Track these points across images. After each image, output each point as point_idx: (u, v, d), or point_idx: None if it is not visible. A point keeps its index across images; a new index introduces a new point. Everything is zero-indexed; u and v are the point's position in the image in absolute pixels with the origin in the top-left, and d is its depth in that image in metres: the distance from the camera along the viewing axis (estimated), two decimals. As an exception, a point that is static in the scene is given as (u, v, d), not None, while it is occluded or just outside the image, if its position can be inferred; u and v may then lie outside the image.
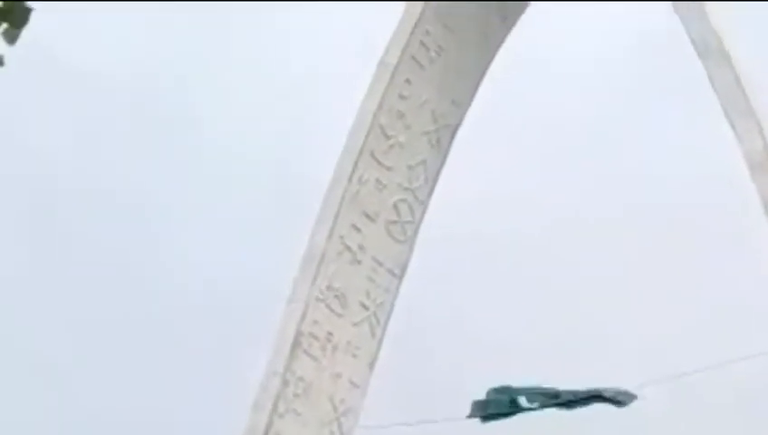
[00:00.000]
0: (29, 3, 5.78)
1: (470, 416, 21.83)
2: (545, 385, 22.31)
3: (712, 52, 19.80)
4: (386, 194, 22.90)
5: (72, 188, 52.93)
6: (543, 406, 21.87)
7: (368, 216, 22.74)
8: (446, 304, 37.63)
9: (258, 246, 47.80)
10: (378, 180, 22.78)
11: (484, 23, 23.50)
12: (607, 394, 21.41)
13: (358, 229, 22.63)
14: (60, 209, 52.56)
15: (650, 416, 25.39)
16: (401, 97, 22.82)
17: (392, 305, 23.05)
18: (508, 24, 23.90)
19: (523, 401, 21.79)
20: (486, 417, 21.79)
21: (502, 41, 23.95)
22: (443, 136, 23.49)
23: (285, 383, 21.64)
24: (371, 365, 22.78)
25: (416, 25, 22.82)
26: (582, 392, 21.73)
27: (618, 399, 21.38)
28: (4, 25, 5.65)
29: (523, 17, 23.89)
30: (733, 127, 19.65)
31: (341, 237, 22.43)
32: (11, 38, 5.70)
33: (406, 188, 23.13)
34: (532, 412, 21.87)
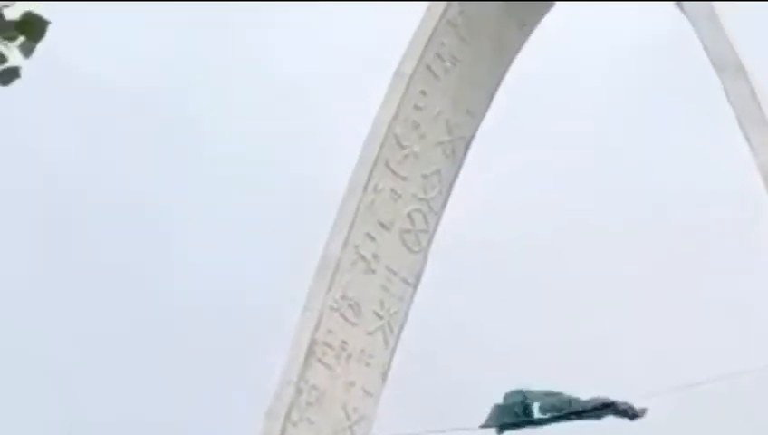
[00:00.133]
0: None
1: (485, 425, 21.55)
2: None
3: (728, 65, 19.78)
4: (400, 204, 23.04)
5: (76, 188, 52.97)
6: (556, 417, 21.64)
7: (382, 225, 22.87)
8: (456, 312, 37.54)
9: (270, 253, 47.82)
10: (393, 190, 22.91)
11: (499, 32, 23.56)
12: (620, 407, 21.26)
13: (372, 238, 22.75)
14: (63, 211, 52.67)
15: (657, 424, 25.32)
16: (416, 108, 22.98)
17: (406, 314, 23.19)
18: (526, 31, 24.06)
19: (536, 408, 21.61)
20: (501, 428, 21.55)
21: (518, 50, 24.06)
22: (457, 146, 23.63)
23: (299, 392, 21.71)
24: (384, 374, 22.92)
25: (431, 36, 22.96)
26: (595, 402, 21.53)
27: (630, 412, 21.27)
28: (21, 39, 5.62)
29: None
30: (748, 140, 19.57)
31: (356, 247, 22.56)
32: (27, 51, 5.69)
33: (420, 199, 23.27)
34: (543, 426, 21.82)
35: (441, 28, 22.90)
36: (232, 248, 53.36)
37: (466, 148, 23.72)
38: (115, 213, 54.84)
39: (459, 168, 23.71)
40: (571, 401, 21.67)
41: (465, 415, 22.20)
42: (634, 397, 21.40)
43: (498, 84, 23.90)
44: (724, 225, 39.24)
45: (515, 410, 21.57)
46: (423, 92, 22.88)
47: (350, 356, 22.29)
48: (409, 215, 23.06)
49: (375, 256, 22.65)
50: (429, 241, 23.44)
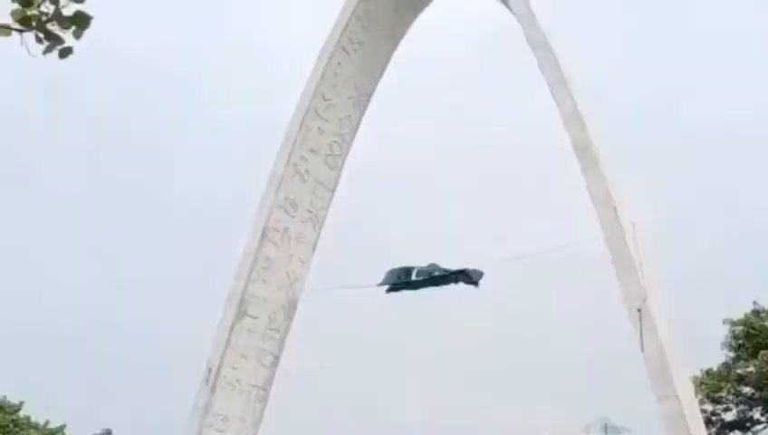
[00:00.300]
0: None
1: (381, 283, 20.97)
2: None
3: (540, 45, 19.51)
4: (324, 137, 22.96)
5: (120, 130, 52.55)
6: (426, 280, 20.74)
7: (312, 151, 22.78)
8: (359, 209, 37.31)
9: (236, 170, 47.91)
10: (319, 128, 22.85)
11: (391, 24, 23.32)
12: (469, 273, 20.35)
13: (305, 160, 22.65)
14: (111, 144, 52.45)
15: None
16: (335, 74, 22.87)
17: (327, 210, 23.12)
18: (407, 23, 23.64)
19: (414, 273, 20.87)
20: (390, 289, 20.99)
21: (402, 37, 23.81)
22: (362, 99, 23.53)
23: (256, 260, 21.66)
24: (313, 248, 22.80)
25: (345, 26, 22.90)
26: (454, 270, 20.74)
27: (474, 277, 20.35)
28: (73, 27, 5.50)
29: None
30: (552, 95, 19.12)
31: (295, 165, 22.46)
32: (77, 36, 5.55)
33: (338, 134, 23.15)
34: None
35: (352, 21, 22.82)
36: (212, 169, 53.42)
37: (368, 100, 23.63)
38: (140, 145, 54.71)
39: (363, 113, 23.62)
40: (438, 269, 20.94)
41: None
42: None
43: (389, 59, 23.77)
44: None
45: (399, 275, 21.02)
46: (339, 64, 22.77)
47: (290, 237, 22.16)
48: (330, 145, 22.97)
49: (307, 171, 22.55)
50: (344, 162, 23.33)
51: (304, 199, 22.52)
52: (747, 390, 32.23)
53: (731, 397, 32.40)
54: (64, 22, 5.42)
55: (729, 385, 32.10)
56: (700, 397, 30.04)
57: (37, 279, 49.91)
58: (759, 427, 32.69)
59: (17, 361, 40.48)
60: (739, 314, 32.64)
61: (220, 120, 54.32)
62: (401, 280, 21.00)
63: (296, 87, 22.95)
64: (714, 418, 32.24)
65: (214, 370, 20.49)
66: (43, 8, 5.38)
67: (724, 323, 32.68)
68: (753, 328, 32.07)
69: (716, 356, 32.87)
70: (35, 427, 34.25)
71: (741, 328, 32.35)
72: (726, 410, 32.73)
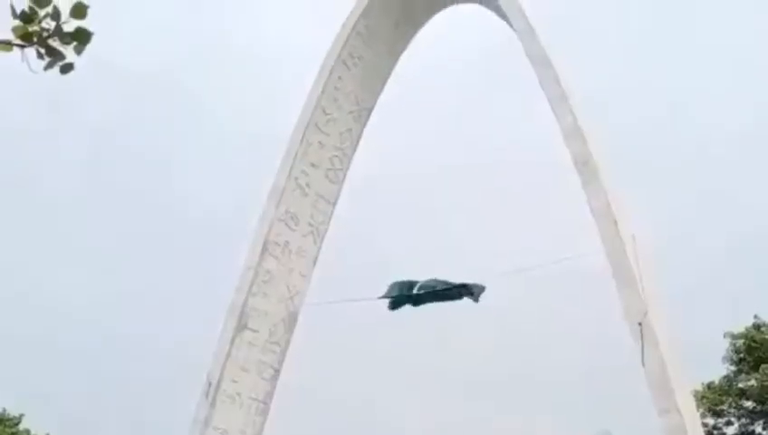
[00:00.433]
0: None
1: (383, 296, 20.50)
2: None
3: (540, 61, 19.63)
4: (325, 151, 22.99)
5: (121, 145, 52.37)
6: (428, 294, 20.32)
7: (313, 165, 22.81)
8: (359, 223, 37.40)
9: (237, 184, 47.84)
10: (320, 142, 22.88)
11: (391, 40, 23.38)
12: (470, 287, 19.97)
13: (306, 174, 22.68)
14: (110, 156, 52.39)
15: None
16: (335, 88, 22.94)
17: (328, 224, 23.11)
18: (408, 39, 23.73)
19: (417, 287, 20.49)
20: (393, 307, 20.50)
21: (402, 52, 23.87)
22: (363, 114, 23.56)
23: (257, 274, 21.69)
24: (314, 263, 22.81)
25: (346, 41, 22.96)
26: (456, 283, 20.36)
27: (476, 291, 19.95)
28: (75, 43, 5.52)
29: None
30: (553, 110, 19.21)
31: (296, 178, 22.49)
32: (79, 52, 5.59)
33: (338, 148, 23.18)
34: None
35: (353, 35, 22.94)
36: (213, 183, 53.33)
37: (369, 114, 23.67)
38: (141, 158, 54.64)
39: (363, 127, 23.66)
40: (440, 283, 20.57)
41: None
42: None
43: (389, 73, 23.81)
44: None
45: (402, 288, 20.70)
46: (340, 78, 22.86)
47: (291, 251, 22.17)
48: (330, 158, 22.99)
49: (308, 185, 22.58)
50: (345, 176, 23.37)
51: (305, 213, 22.53)
52: (749, 403, 32.11)
53: (732, 411, 32.28)
54: (65, 38, 5.45)
55: (730, 399, 31.99)
56: (701, 411, 29.92)
57: (38, 293, 49.86)
58: (760, 440, 32.55)
59: (17, 374, 40.39)
60: (740, 328, 32.54)
61: (221, 133, 54.40)
62: (404, 293, 20.73)
63: (297, 101, 23.13)
64: (715, 432, 32.11)
65: (214, 383, 20.44)
66: (44, 24, 5.40)
67: (725, 336, 32.59)
68: (755, 341, 31.98)
69: (718, 370, 32.78)
70: (35, 440, 34.11)
71: (742, 342, 32.25)
72: (728, 423, 32.59)
